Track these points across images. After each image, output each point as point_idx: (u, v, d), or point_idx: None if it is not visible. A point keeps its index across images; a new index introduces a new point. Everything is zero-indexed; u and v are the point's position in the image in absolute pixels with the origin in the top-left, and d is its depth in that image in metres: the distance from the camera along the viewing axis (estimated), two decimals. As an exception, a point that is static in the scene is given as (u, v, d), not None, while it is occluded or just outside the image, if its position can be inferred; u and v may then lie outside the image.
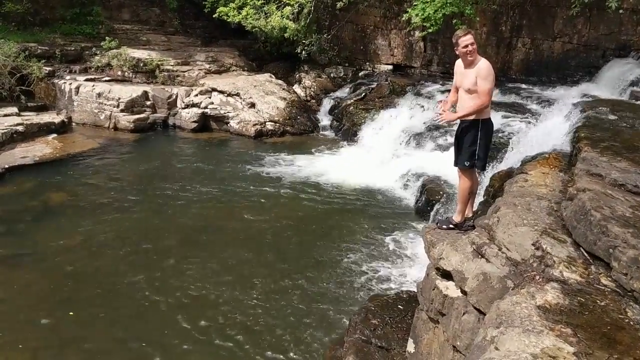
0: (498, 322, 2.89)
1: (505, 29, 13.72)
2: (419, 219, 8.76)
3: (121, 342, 5.64)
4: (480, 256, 4.07)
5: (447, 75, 14.57)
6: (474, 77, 4.96)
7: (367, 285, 6.75)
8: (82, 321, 5.96)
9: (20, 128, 12.05)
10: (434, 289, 4.45)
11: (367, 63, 16.84)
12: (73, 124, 13.92)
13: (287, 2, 15.25)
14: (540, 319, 2.81)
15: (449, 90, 12.26)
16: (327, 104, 15.65)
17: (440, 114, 5.29)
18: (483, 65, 4.93)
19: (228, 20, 15.94)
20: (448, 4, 12.06)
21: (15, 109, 13.00)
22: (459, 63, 5.24)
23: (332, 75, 16.93)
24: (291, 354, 5.49)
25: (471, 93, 5.01)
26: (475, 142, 5.09)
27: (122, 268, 7.09)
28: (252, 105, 14.23)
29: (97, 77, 14.98)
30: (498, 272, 3.74)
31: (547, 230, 3.88)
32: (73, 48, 15.87)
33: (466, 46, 4.96)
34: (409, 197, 9.66)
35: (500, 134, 9.85)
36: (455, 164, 5.36)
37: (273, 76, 15.94)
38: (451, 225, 5.28)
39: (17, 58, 13.74)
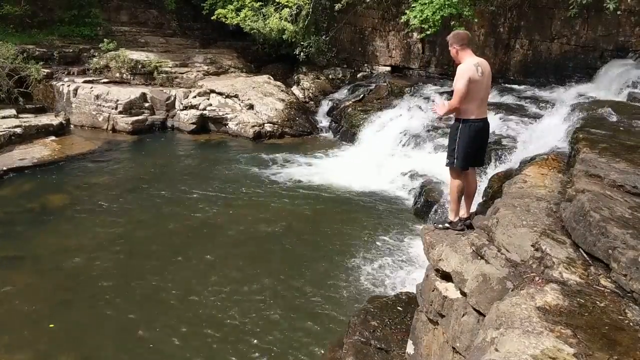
0: (498, 323, 2.88)
1: (503, 30, 13.75)
2: (417, 220, 8.76)
3: (120, 343, 5.63)
4: (479, 257, 4.07)
5: (445, 76, 14.61)
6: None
7: (366, 287, 6.74)
8: (81, 323, 5.95)
9: (18, 130, 12.02)
10: (433, 290, 4.45)
11: (366, 64, 16.87)
12: (71, 125, 13.91)
13: (285, 4, 15.26)
14: (540, 320, 2.81)
15: (447, 92, 12.39)
16: (325, 105, 15.66)
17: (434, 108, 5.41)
18: (459, 67, 4.97)
19: (226, 22, 15.96)
20: (446, 6, 12.09)
21: (13, 111, 12.95)
22: None
23: (330, 76, 16.94)
24: (290, 356, 5.48)
25: None
26: (454, 140, 5.12)
27: (120, 270, 7.08)
28: (251, 106, 14.23)
29: (95, 79, 14.98)
30: (497, 273, 3.73)
31: (547, 231, 3.88)
32: (71, 50, 15.86)
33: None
34: (408, 198, 9.67)
35: (498, 135, 9.87)
36: None
37: (271, 78, 15.94)
38: (446, 225, 5.30)
39: (15, 60, 13.71)
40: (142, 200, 9.45)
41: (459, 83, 4.85)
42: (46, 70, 14.45)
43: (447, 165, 5.27)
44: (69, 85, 14.30)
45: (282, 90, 15.19)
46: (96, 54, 15.72)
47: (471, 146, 5.08)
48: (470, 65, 4.88)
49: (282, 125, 14.03)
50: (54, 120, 13.32)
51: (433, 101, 5.55)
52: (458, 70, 4.94)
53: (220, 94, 14.55)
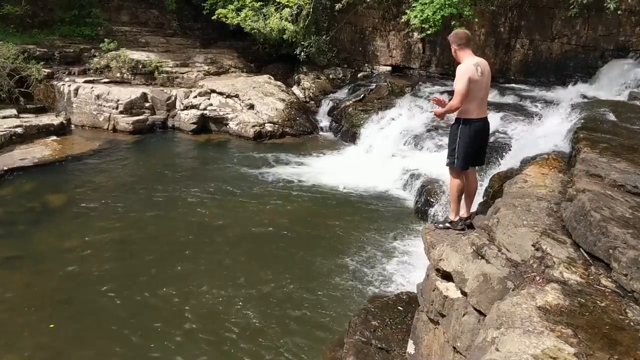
0: (498, 323, 2.89)
1: (504, 30, 13.75)
2: (418, 220, 8.76)
3: (120, 344, 5.63)
4: (480, 257, 4.07)
5: (446, 76, 14.61)
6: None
7: (366, 286, 6.74)
8: (81, 323, 5.94)
9: (19, 130, 12.02)
10: (434, 290, 4.45)
11: (366, 64, 16.87)
12: (72, 125, 13.90)
13: (286, 4, 15.26)
14: (540, 320, 2.81)
15: (447, 91, 12.39)
16: (326, 105, 15.66)
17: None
18: (459, 66, 4.97)
19: (227, 22, 15.96)
20: (447, 6, 12.09)
21: (14, 111, 12.96)
22: None
23: (331, 76, 16.94)
24: (291, 356, 5.48)
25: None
26: (454, 140, 5.13)
27: (121, 270, 7.08)
28: (251, 106, 14.24)
29: (96, 78, 14.98)
30: (498, 273, 3.73)
31: (547, 231, 3.88)
32: (72, 50, 15.87)
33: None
34: (408, 197, 9.67)
35: (499, 135, 9.87)
36: None
37: (272, 77, 15.95)
38: (447, 224, 5.31)
39: (16, 60, 13.72)
40: (143, 200, 9.45)
41: (460, 83, 4.85)
42: (47, 70, 14.46)
43: (447, 165, 5.28)
44: (69, 85, 14.30)
45: (282, 90, 15.20)
46: (97, 54, 15.72)
47: (471, 146, 5.08)
48: (469, 65, 4.89)
49: (283, 125, 14.04)
50: (55, 120, 13.32)
51: (432, 100, 5.54)
52: (458, 70, 4.94)
53: (220, 93, 14.55)
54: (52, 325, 5.87)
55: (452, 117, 5.33)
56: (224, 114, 14.17)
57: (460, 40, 5.02)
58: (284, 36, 15.44)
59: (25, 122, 12.56)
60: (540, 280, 3.32)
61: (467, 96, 4.87)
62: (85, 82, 14.55)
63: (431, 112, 5.57)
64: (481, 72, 4.92)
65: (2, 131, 11.67)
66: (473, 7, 12.48)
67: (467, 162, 5.16)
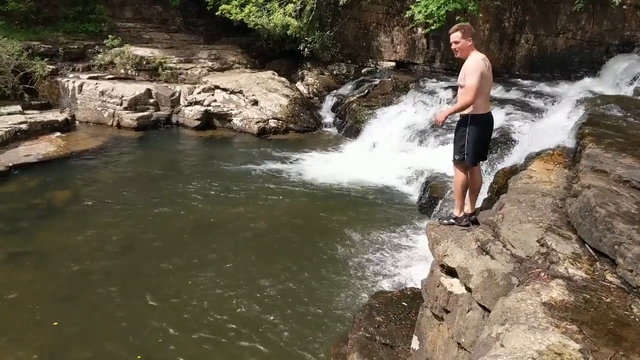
0: (503, 319, 2.88)
1: (509, 25, 13.69)
2: (422, 216, 8.75)
3: (124, 342, 5.65)
4: (484, 253, 4.06)
5: (450, 71, 14.56)
6: (463, 73, 4.98)
7: (371, 282, 6.75)
8: (85, 321, 5.96)
9: (24, 126, 12.08)
10: (438, 286, 4.44)
11: (370, 60, 16.84)
12: (76, 122, 13.96)
13: (290, -1, 15.26)
14: (545, 316, 2.81)
15: (451, 87, 12.35)
16: (329, 101, 15.65)
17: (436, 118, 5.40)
18: (469, 62, 4.94)
19: (230, 18, 15.96)
20: (451, 1, 12.03)
21: (18, 107, 13.03)
22: None
23: (334, 72, 16.92)
24: (295, 352, 5.50)
25: (461, 89, 5.03)
26: (463, 136, 5.10)
27: (125, 266, 7.10)
28: (255, 102, 14.24)
29: (100, 75, 15.04)
30: (503, 268, 3.73)
31: (552, 227, 3.87)
32: (76, 46, 15.91)
33: (451, 43, 5.05)
34: (413, 193, 9.66)
35: (503, 131, 9.83)
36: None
37: (276, 73, 15.93)
38: (451, 220, 5.30)
39: (21, 56, 13.77)
40: (147, 196, 9.48)
41: (473, 79, 4.82)
42: (51, 67, 14.53)
43: (457, 161, 5.23)
44: (74, 82, 14.34)
45: (286, 86, 15.19)
46: (101, 50, 15.76)
47: (480, 141, 5.08)
48: (479, 61, 4.88)
49: (287, 121, 14.03)
50: (59, 116, 13.37)
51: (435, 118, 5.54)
52: (468, 65, 4.90)
53: (224, 89, 14.56)
54: (55, 323, 5.88)
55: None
56: (227, 110, 14.18)
57: (471, 34, 5.00)
58: (288, 32, 15.43)
59: (29, 118, 12.62)
60: (545, 276, 3.31)
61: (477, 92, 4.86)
62: (90, 78, 14.60)
63: (433, 120, 5.51)
64: (488, 67, 4.92)
65: (7, 127, 11.72)
66: (477, 2, 12.42)
67: (476, 157, 5.15)
